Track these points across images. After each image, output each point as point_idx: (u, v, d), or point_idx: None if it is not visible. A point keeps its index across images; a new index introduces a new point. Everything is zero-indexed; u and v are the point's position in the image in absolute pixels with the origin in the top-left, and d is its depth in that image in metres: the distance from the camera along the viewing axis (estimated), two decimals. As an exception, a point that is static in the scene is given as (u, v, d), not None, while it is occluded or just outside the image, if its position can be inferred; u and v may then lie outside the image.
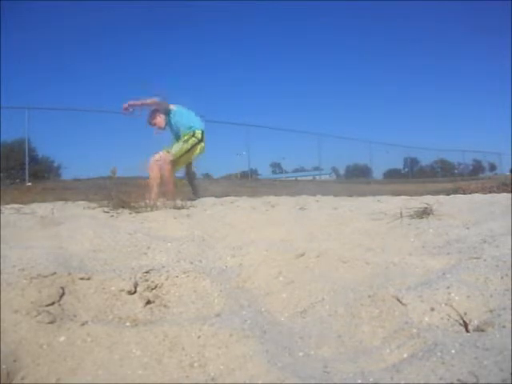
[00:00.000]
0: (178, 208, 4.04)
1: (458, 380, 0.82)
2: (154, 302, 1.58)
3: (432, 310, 1.22)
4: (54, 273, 1.68)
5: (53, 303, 1.50)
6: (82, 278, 1.68)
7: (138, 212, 3.87)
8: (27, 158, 11.55)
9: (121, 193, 4.76)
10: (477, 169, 30.19)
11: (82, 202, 5.85)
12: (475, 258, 1.64)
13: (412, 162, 26.53)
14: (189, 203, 4.50)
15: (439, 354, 0.93)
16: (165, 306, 1.57)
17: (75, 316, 1.44)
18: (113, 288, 1.63)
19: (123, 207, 4.14)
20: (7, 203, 5.92)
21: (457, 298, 1.26)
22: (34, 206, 5.81)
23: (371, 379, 0.91)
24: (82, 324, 1.34)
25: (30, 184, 10.58)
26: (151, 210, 3.89)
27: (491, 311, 1.20)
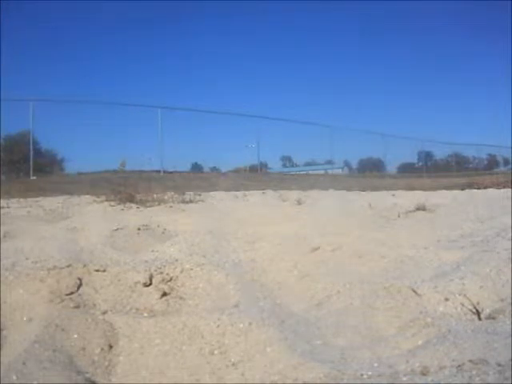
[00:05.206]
0: (186, 202, 4.07)
1: (470, 361, 0.87)
2: (169, 293, 1.62)
3: (446, 300, 1.27)
4: (70, 265, 1.73)
5: (71, 293, 1.55)
6: (97, 270, 1.73)
7: (146, 206, 3.90)
8: (32, 152, 11.54)
9: (127, 187, 4.77)
10: (491, 163, 30.00)
11: (88, 196, 5.88)
12: (488, 251, 1.68)
13: (426, 156, 26.33)
14: (197, 197, 4.52)
15: (452, 339, 0.98)
16: (181, 297, 1.61)
17: (94, 305, 1.48)
18: (128, 280, 1.67)
19: (130, 201, 4.17)
20: (13, 197, 5.96)
21: (470, 288, 1.31)
22: (40, 199, 5.86)
23: (387, 363, 0.96)
24: (103, 313, 1.39)
25: (34, 178, 10.60)
26: (159, 204, 3.92)
27: (502, 300, 1.26)
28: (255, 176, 13.71)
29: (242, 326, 1.20)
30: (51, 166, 14.08)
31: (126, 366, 1.15)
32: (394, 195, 6.28)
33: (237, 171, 17.20)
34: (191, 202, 4.17)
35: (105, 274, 1.70)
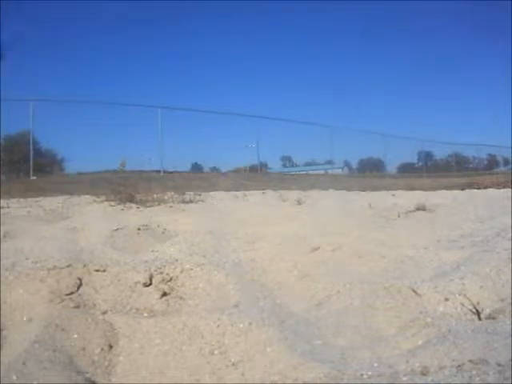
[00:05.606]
0: (186, 202, 4.07)
1: (470, 361, 0.87)
2: (169, 293, 1.62)
3: (446, 300, 1.27)
4: (70, 265, 1.73)
5: (71, 293, 1.55)
6: (97, 270, 1.73)
7: (146, 206, 3.90)
8: (32, 152, 11.53)
9: (127, 187, 4.77)
10: (491, 163, 30.01)
11: (88, 196, 5.88)
12: (488, 251, 1.68)
13: (426, 156, 26.39)
14: (197, 197, 4.52)
15: (452, 339, 0.99)
16: (181, 297, 1.61)
17: (94, 305, 1.48)
18: (128, 280, 1.67)
19: (130, 201, 4.17)
20: (13, 197, 5.96)
21: (470, 288, 1.31)
22: (40, 199, 5.86)
23: (387, 363, 0.96)
24: (103, 313, 1.39)
25: (34, 178, 10.60)
26: (159, 204, 3.92)
27: (502, 300, 1.26)
28: (255, 176, 13.68)
29: (241, 325, 1.21)
30: (51, 166, 14.07)
31: (126, 366, 1.15)
32: (393, 195, 6.29)
33: (237, 171, 17.17)
34: (191, 201, 4.17)
35: (105, 273, 1.70)
